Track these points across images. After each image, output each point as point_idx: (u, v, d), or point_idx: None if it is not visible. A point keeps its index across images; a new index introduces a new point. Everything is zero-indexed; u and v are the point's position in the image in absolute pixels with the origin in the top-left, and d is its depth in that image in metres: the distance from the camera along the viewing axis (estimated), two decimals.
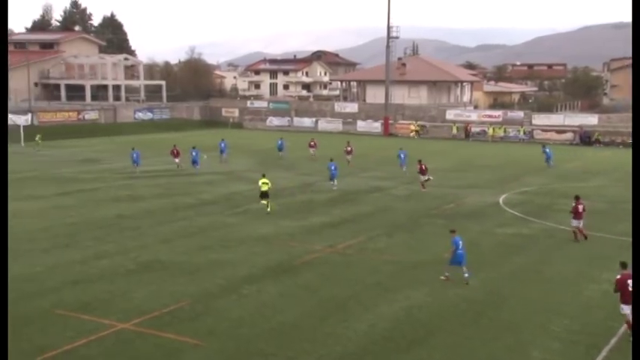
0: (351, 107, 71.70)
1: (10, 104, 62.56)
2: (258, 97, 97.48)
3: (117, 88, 76.62)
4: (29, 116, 58.05)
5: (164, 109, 75.03)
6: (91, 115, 65.86)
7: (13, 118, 55.52)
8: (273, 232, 21.97)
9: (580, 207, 20.12)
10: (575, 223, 20.18)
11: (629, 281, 12.30)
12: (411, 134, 62.67)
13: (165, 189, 30.44)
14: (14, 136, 49.12)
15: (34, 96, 67.46)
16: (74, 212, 24.52)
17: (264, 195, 25.32)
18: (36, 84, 72.88)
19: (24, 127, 52.11)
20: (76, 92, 73.65)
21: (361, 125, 66.97)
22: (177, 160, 36.64)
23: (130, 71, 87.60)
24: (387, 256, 18.86)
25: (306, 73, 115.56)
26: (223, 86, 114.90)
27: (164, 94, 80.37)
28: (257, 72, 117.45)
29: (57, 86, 74.39)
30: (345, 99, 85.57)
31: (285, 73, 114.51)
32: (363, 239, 20.83)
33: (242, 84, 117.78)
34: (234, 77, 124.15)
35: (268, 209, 24.87)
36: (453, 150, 50.66)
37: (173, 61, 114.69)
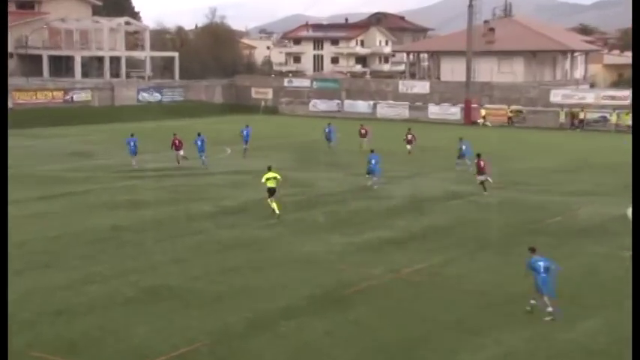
0: (421, 87, 71.19)
1: None
2: (298, 74, 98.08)
3: (115, 61, 78.10)
4: None
5: (176, 89, 76.16)
6: (81, 96, 67.37)
7: None
8: (317, 250, 21.81)
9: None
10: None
11: None
12: (480, 120, 61.55)
13: (175, 192, 30.82)
14: None
15: (9, 70, 69.08)
16: (58, 222, 24.98)
17: (270, 192, 26.14)
18: (11, 55, 74.04)
19: None
20: (62, 66, 75.34)
21: (434, 111, 66.40)
22: (181, 153, 37.68)
23: (133, 39, 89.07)
24: (469, 285, 18.52)
25: (362, 43, 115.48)
26: (253, 59, 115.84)
27: (176, 69, 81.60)
28: (297, 41, 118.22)
29: (38, 58, 75.81)
30: (413, 76, 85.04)
31: (334, 42, 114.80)
32: (436, 262, 20.62)
33: (277, 56, 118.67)
34: (268, 48, 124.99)
35: (277, 212, 25.76)
36: (559, 143, 49.86)
37: (188, 26, 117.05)
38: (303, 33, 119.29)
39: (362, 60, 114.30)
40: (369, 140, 44.25)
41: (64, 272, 19.26)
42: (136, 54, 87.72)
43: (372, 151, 33.14)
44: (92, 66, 77.56)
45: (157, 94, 73.50)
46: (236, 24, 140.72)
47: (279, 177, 26.66)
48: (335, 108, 71.54)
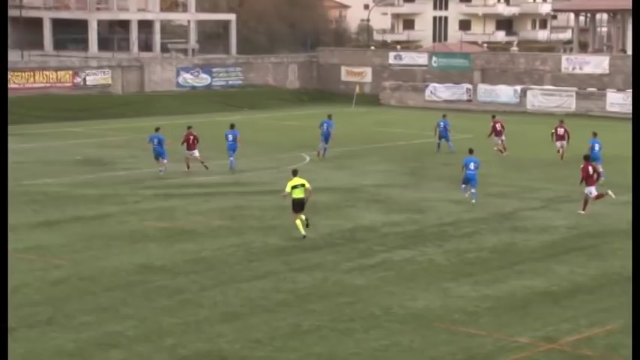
0: (596, 64, 70.42)
1: None
2: (410, 46, 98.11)
3: (146, 27, 79.99)
4: None
5: (232, 69, 77.67)
6: (97, 78, 69.47)
7: None
8: (434, 305, 21.86)
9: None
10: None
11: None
12: None
13: (230, 218, 31.48)
14: None
15: None
16: (64, 260, 25.86)
17: (298, 206, 28.10)
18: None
19: None
20: (71, 34, 77.36)
21: (615, 99, 65.43)
22: (195, 154, 40.58)
23: None
24: None
25: None
26: (344, 25, 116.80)
27: (233, 39, 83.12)
28: None
29: (37, 22, 77.89)
30: (584, 48, 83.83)
31: None
32: (616, 328, 20.40)
33: (380, 20, 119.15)
34: (366, 7, 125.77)
35: (303, 232, 28.11)
36: None
37: None
38: None
39: (506, 24, 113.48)
40: (501, 143, 45.47)
41: (71, 332, 19.88)
42: (176, 17, 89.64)
43: (470, 152, 34.72)
44: (113, 35, 79.54)
45: (206, 76, 75.06)
46: None
47: (307, 185, 28.32)
48: (463, 96, 71.41)
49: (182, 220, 31.20)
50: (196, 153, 40.85)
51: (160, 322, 20.46)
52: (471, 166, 33.76)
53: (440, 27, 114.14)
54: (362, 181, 38.98)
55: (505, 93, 69.71)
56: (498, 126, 46.17)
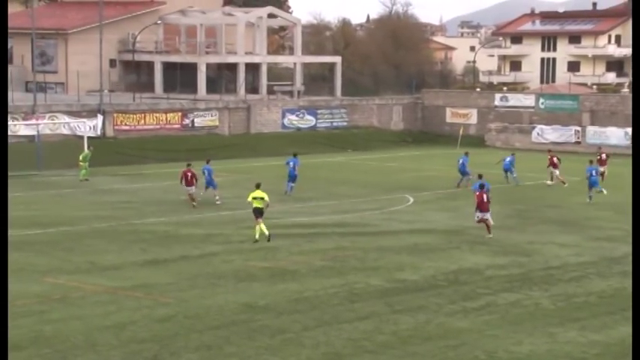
0: None
1: (68, 98, 69.69)
2: (517, 88, 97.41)
3: (253, 69, 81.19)
4: (99, 121, 64.00)
5: (337, 110, 78.26)
6: (205, 120, 70.77)
7: (72, 125, 61.89)
8: (540, 351, 21.57)
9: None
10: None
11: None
12: None
13: (333, 259, 31.58)
14: (72, 153, 54.22)
15: (109, 83, 73.68)
16: (170, 297, 26.31)
17: (257, 213, 34.24)
18: (113, 62, 79.42)
19: (90, 139, 57.45)
20: (180, 77, 78.98)
21: None
22: (191, 190, 42.43)
23: (278, 39, 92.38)
24: None
25: (617, 39, 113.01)
26: (449, 66, 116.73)
27: (338, 81, 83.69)
28: (517, 38, 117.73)
29: (149, 66, 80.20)
30: None
31: (574, 39, 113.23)
32: None
33: (486, 61, 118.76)
34: (472, 49, 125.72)
35: (265, 234, 33.98)
36: None
37: (357, 19, 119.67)
38: (527, 26, 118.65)
39: (617, 65, 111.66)
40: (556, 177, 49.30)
41: None
42: (282, 59, 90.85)
43: (480, 177, 39.25)
44: (221, 77, 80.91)
45: (310, 118, 75.76)
46: (426, 15, 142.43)
47: (266, 197, 34.38)
48: (571, 138, 70.48)
49: (285, 260, 31.41)
50: (193, 189, 42.30)
51: None
52: (480, 186, 36.91)
53: (548, 68, 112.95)
54: (465, 223, 38.68)
55: (615, 135, 68.61)
56: (555, 159, 50.48)
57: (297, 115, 75.21)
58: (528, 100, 77.06)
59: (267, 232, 33.92)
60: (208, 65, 78.50)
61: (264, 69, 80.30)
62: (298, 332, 22.80)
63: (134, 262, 30.89)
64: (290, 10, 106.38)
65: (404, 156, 64.93)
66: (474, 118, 77.58)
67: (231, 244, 34.20)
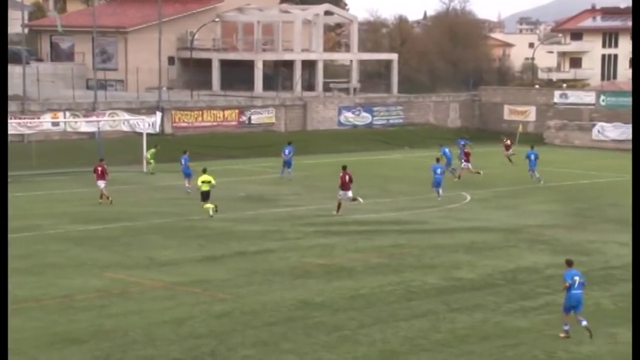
0: None
1: (127, 95, 70.35)
2: (577, 85, 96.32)
3: (309, 66, 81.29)
4: (158, 118, 64.49)
5: (393, 107, 78.05)
6: (261, 117, 70.97)
7: (131, 122, 62.44)
8: (601, 351, 21.42)
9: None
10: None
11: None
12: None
13: (389, 256, 31.53)
14: (132, 149, 54.69)
15: (168, 81, 74.11)
16: (227, 294, 26.47)
17: (204, 196, 38.15)
18: (171, 60, 79.92)
19: (149, 135, 57.96)
20: (237, 75, 79.32)
21: None
22: (101, 185, 42.27)
23: (334, 37, 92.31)
24: None
25: None
26: (508, 63, 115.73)
27: (394, 78, 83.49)
28: (577, 34, 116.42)
29: (206, 63, 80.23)
30: None
31: None
32: None
33: (545, 58, 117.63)
34: (531, 45, 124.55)
35: (211, 213, 37.85)
36: None
37: (414, 16, 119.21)
38: (587, 22, 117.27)
39: None
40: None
41: None
42: (339, 57, 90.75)
43: (437, 160, 44.35)
44: (277, 74, 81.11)
45: (367, 115, 75.62)
46: (484, 11, 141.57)
47: (213, 181, 38.46)
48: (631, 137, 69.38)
49: (341, 257, 31.40)
50: (103, 184, 41.93)
51: (320, 358, 20.64)
52: (438, 171, 43.25)
53: (609, 65, 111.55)
54: (524, 222, 38.40)
55: None
56: (508, 142, 57.03)
57: (353, 113, 75.11)
58: (589, 97, 76.15)
59: (211, 212, 37.99)
60: (265, 62, 78.69)
61: (320, 66, 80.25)
62: (354, 329, 22.79)
63: (192, 257, 31.10)
64: (347, 8, 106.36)
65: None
66: (532, 116, 76.86)
67: (287, 240, 34.28)
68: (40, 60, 77.90)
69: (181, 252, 31.98)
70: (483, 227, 37.21)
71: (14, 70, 66.45)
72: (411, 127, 75.51)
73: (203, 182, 38.22)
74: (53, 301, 25.01)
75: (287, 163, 51.27)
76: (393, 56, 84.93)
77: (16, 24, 79.08)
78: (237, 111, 69.63)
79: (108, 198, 41.94)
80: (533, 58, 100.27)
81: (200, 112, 67.82)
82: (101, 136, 58.75)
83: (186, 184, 45.76)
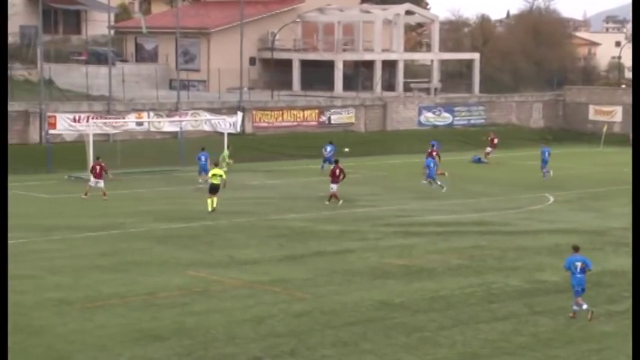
0: None
1: (209, 96, 70.93)
2: None
3: (390, 66, 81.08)
4: (239, 118, 64.93)
5: (475, 107, 77.42)
6: (341, 117, 70.99)
7: (213, 121, 62.96)
8: None
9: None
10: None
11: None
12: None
13: (470, 258, 31.27)
14: (213, 149, 54.90)
15: (249, 81, 74.26)
16: (306, 292, 26.55)
17: (213, 190, 38.53)
18: (252, 60, 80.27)
19: (230, 135, 58.00)
20: (318, 75, 79.49)
21: None
22: (100, 184, 43.76)
23: (414, 36, 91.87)
24: None
25: None
26: (593, 62, 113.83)
27: (476, 78, 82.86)
28: None
29: (287, 64, 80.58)
30: None
31: None
32: None
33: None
34: (618, 44, 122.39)
35: (210, 208, 38.37)
36: None
37: (496, 14, 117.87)
38: None
39: None
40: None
41: None
42: (419, 57, 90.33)
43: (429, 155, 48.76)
44: (357, 74, 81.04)
45: (447, 115, 75.18)
46: (569, 10, 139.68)
47: (224, 176, 39.02)
48: None
49: (421, 258, 31.25)
50: (102, 183, 43.53)
51: (398, 358, 20.54)
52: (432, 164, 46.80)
53: None
54: (609, 224, 37.79)
55: None
56: (494, 140, 60.04)
57: (433, 113, 74.74)
58: None
59: (214, 207, 38.54)
60: (345, 63, 78.74)
61: (400, 66, 80.00)
62: (434, 331, 22.64)
63: (272, 257, 31.22)
64: (428, 7, 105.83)
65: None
66: (618, 116, 75.53)
67: (366, 241, 34.21)
68: (125, 61, 79.01)
69: (261, 251, 32.13)
70: (567, 229, 36.68)
71: (100, 71, 67.80)
72: (492, 128, 74.71)
73: (214, 175, 38.97)
74: (137, 298, 25.31)
75: (327, 160, 53.51)
76: (475, 56, 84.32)
77: (102, 26, 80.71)
78: (317, 111, 69.78)
79: (104, 194, 43.26)
80: (619, 57, 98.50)
81: (280, 112, 68.12)
82: (183, 135, 59.35)
83: (200, 180, 46.93)
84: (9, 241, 32.81)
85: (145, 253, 31.48)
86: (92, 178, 43.92)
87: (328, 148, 55.05)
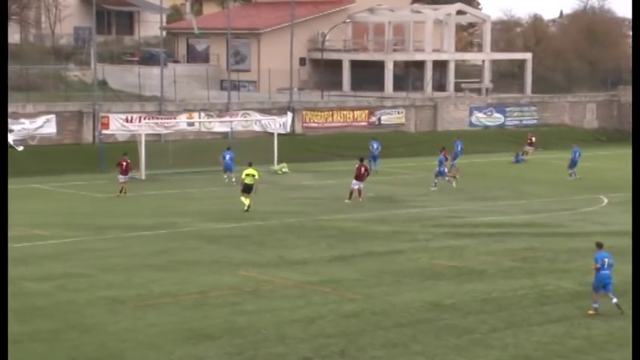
0: None
1: (259, 96, 71.16)
2: None
3: (440, 67, 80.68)
4: (289, 118, 65.04)
5: (527, 108, 76.82)
6: (391, 118, 70.77)
7: (263, 122, 63.14)
8: None
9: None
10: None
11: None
12: None
13: (522, 260, 31.02)
14: (263, 149, 55.11)
15: (299, 82, 74.34)
16: (356, 293, 26.46)
17: (247, 189, 38.92)
18: (303, 60, 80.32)
19: (280, 136, 58.37)
20: (368, 75, 79.33)
21: None
22: (125, 179, 45.01)
23: (465, 36, 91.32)
24: None
25: None
26: None
27: (528, 78, 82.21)
28: None
29: (337, 64, 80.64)
30: None
31: None
32: None
33: None
34: None
35: (245, 207, 38.65)
36: None
37: (549, 14, 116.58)
38: None
39: None
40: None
41: None
42: (471, 57, 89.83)
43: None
44: (407, 75, 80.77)
45: (499, 115, 74.69)
46: (624, 9, 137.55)
47: (257, 176, 39.09)
48: None
49: (472, 259, 31.04)
50: (127, 178, 44.76)
51: None
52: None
53: None
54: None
55: None
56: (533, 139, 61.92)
57: (484, 113, 74.32)
58: None
59: (248, 205, 38.97)
60: (395, 63, 78.44)
61: (451, 66, 79.59)
62: (486, 333, 22.47)
63: (322, 257, 31.21)
64: (480, 7, 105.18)
65: (598, 155, 63.00)
66: None
67: (417, 242, 34.07)
68: (176, 62, 79.59)
69: (311, 251, 32.14)
70: (621, 231, 36.12)
71: (152, 72, 68.28)
72: (545, 128, 74.17)
73: (247, 175, 39.24)
74: (188, 297, 25.44)
75: (374, 158, 54.62)
76: (527, 56, 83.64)
77: (154, 27, 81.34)
78: (367, 111, 69.69)
79: (125, 192, 44.12)
80: None
81: (330, 113, 68.12)
82: (234, 136, 59.58)
83: (225, 176, 48.92)
84: (63, 240, 33.43)
85: (195, 253, 31.64)
86: (119, 175, 44.57)
87: (375, 145, 55.62)
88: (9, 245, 31.71)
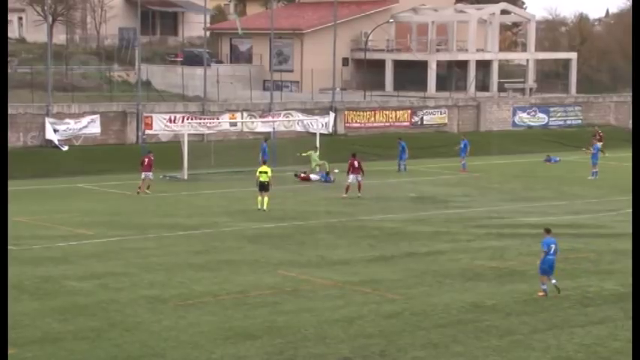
0: None
1: (302, 96, 71.26)
2: None
3: (484, 66, 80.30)
4: (331, 118, 65.05)
5: (571, 108, 76.13)
6: (434, 118, 70.48)
7: (305, 122, 63.16)
8: None
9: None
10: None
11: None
12: None
13: (565, 261, 30.64)
14: (305, 149, 55.10)
15: (341, 82, 74.11)
16: (397, 293, 26.35)
17: (262, 187, 39.04)
18: (345, 61, 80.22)
19: (322, 136, 58.10)
20: (410, 75, 79.16)
21: None
22: (149, 176, 45.20)
23: (509, 36, 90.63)
24: None
25: None
26: None
27: (573, 78, 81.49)
28: None
29: (380, 64, 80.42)
30: None
31: None
32: None
33: None
34: None
35: (264, 207, 38.85)
36: None
37: (595, 13, 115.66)
38: None
39: None
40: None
41: None
42: (515, 56, 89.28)
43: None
44: (451, 75, 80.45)
45: (543, 115, 74.15)
46: None
47: (269, 173, 39.29)
48: None
49: (514, 260, 30.81)
50: (150, 175, 44.86)
51: None
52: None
53: None
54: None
55: None
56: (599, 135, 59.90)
57: (528, 113, 73.78)
58: None
59: (265, 207, 38.83)
60: (438, 63, 78.10)
61: (495, 66, 79.24)
62: (527, 334, 22.30)
63: (362, 257, 31.13)
64: (524, 6, 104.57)
65: None
66: None
67: (458, 242, 33.86)
68: (219, 62, 79.92)
69: (352, 251, 32.07)
70: None
71: (195, 72, 68.60)
72: (589, 129, 73.42)
73: (261, 172, 39.58)
74: (229, 296, 25.49)
75: (401, 155, 55.81)
76: (572, 55, 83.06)
77: (198, 27, 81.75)
78: (409, 111, 69.42)
79: (148, 187, 44.51)
80: None
81: (372, 113, 67.97)
82: (276, 136, 59.66)
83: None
84: (106, 239, 33.65)
85: (236, 252, 31.70)
86: (142, 172, 44.85)
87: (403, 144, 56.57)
88: (52, 245, 32.38)
